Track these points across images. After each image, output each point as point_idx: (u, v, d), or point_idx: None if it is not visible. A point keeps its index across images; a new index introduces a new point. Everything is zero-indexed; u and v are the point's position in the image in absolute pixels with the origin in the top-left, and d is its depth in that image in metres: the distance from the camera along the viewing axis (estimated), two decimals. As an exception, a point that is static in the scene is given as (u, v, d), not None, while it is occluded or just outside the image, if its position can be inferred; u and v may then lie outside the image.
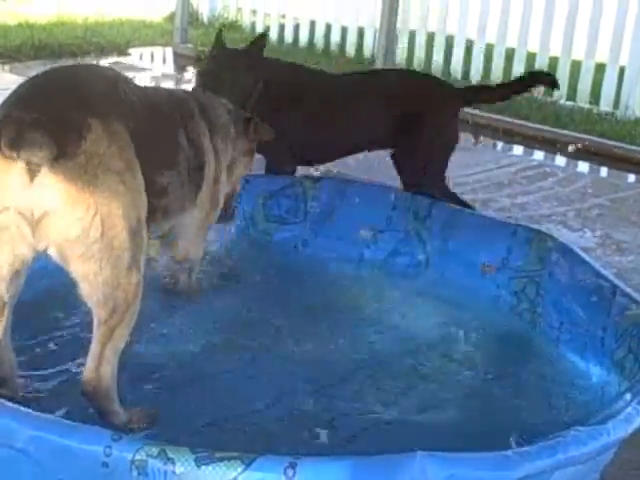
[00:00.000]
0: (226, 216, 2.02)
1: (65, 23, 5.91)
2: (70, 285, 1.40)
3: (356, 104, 2.36)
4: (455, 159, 3.50)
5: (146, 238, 1.43)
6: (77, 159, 1.29)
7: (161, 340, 1.76)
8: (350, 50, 5.70)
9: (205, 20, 6.55)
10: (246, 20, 6.35)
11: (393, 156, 2.41)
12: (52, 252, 1.37)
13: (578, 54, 4.77)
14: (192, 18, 6.17)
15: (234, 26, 6.32)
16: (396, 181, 2.64)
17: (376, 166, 3.21)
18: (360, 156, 3.00)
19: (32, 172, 1.28)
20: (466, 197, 3.19)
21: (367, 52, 5.61)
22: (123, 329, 1.40)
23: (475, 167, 3.60)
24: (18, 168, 1.28)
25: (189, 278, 1.94)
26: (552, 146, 4.06)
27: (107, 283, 1.36)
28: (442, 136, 2.39)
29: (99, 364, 1.38)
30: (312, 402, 1.59)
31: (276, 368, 1.70)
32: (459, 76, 5.19)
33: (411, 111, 2.32)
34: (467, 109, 4.45)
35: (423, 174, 2.36)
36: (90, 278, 1.35)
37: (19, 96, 1.37)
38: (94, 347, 1.39)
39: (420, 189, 2.33)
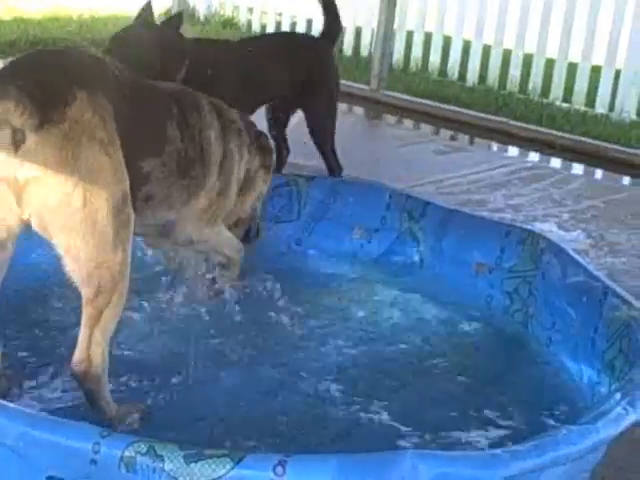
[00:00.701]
0: (249, 237, 2.01)
1: (60, 18, 5.89)
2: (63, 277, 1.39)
3: (263, 66, 2.67)
4: (450, 159, 3.50)
5: (132, 218, 1.43)
6: (61, 126, 1.30)
7: (151, 338, 1.76)
8: (347, 49, 5.71)
9: (201, 17, 6.55)
10: (242, 18, 6.34)
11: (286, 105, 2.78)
12: (35, 222, 1.37)
13: (574, 56, 4.78)
14: (188, 15, 6.16)
15: (230, 23, 6.31)
16: (393, 180, 2.63)
17: (372, 165, 3.21)
18: (356, 155, 3.00)
19: (17, 140, 1.29)
20: (460, 198, 3.22)
21: (364, 51, 5.61)
22: (111, 311, 1.39)
23: (470, 168, 3.60)
24: (3, 136, 1.28)
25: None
26: (547, 148, 4.07)
27: (90, 259, 1.35)
28: (333, 82, 2.84)
29: (89, 346, 1.38)
30: (302, 400, 1.59)
31: (267, 367, 1.70)
32: (456, 78, 5.20)
33: (306, 66, 2.71)
34: (464, 110, 4.50)
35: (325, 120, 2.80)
36: (72, 252, 1.35)
37: (9, 68, 1.39)
38: (83, 328, 1.39)
39: (322, 132, 2.77)
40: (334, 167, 2.85)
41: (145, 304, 1.85)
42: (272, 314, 1.93)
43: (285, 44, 2.88)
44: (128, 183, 1.42)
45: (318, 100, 2.75)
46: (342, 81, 4.71)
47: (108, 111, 1.39)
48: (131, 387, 1.56)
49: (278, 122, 2.83)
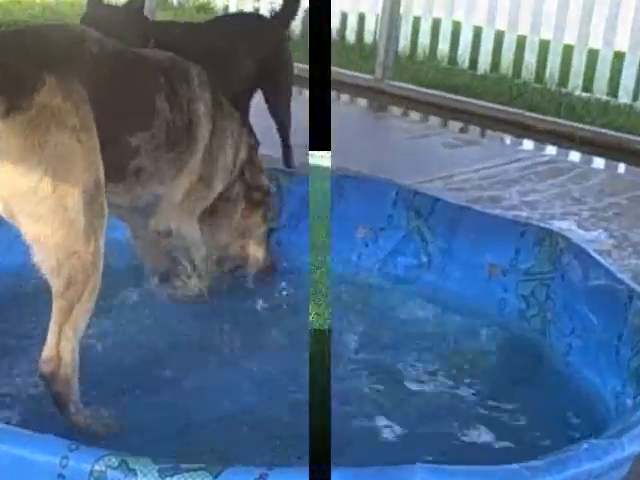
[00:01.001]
0: (266, 273, 2.03)
1: (22, 1, 5.92)
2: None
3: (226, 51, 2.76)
4: (460, 153, 3.47)
5: (106, 207, 1.45)
6: (29, 113, 1.34)
7: (125, 341, 1.74)
8: (350, 36, 5.70)
9: (175, 2, 6.58)
10: (219, 2, 6.36)
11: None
12: (2, 209, 1.40)
13: (595, 42, 4.76)
14: (161, 0, 6.16)
15: (206, 8, 6.33)
16: (399, 176, 2.61)
17: (376, 160, 3.19)
18: (359, 149, 2.99)
19: None
20: (472, 194, 3.21)
21: (368, 38, 5.60)
22: (83, 305, 1.40)
23: (483, 162, 3.59)
24: None
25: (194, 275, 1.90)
26: (566, 140, 4.05)
27: (60, 248, 1.38)
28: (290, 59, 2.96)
29: (58, 342, 1.38)
30: (297, 408, 1.56)
31: (256, 373, 1.69)
32: (466, 66, 5.19)
33: (267, 50, 2.85)
34: (475, 101, 4.49)
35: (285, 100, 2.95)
36: (41, 240, 1.38)
37: None
38: (53, 324, 1.40)
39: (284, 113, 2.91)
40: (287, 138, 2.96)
41: (123, 300, 1.84)
42: (258, 315, 1.92)
43: (248, 24, 3.00)
44: (102, 171, 1.44)
45: (281, 78, 2.90)
46: (345, 70, 4.77)
47: (81, 95, 1.41)
48: (102, 393, 1.54)
49: (240, 110, 2.90)
